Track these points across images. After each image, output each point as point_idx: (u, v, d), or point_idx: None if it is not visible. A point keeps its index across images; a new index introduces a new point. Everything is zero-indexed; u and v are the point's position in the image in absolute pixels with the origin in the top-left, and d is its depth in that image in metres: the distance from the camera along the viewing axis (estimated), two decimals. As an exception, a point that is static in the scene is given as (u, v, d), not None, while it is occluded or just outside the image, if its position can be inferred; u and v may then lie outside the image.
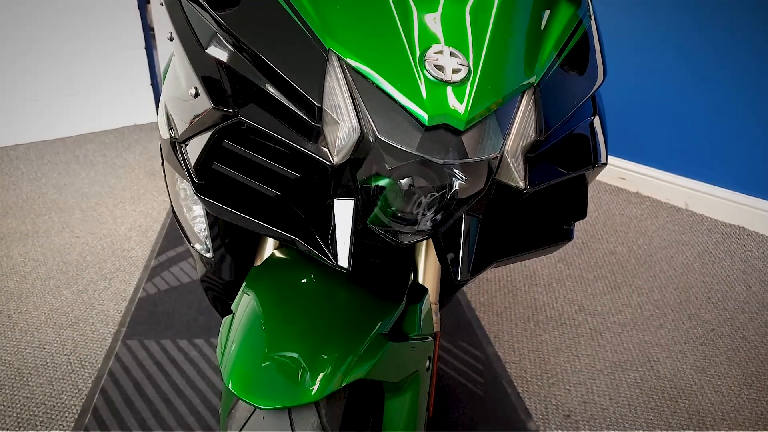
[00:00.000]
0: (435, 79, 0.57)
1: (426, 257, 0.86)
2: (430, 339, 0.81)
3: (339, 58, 0.59)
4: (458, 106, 0.57)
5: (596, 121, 0.73)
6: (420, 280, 0.85)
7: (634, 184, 2.46)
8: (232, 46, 0.63)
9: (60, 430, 1.38)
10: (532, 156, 0.63)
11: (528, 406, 1.42)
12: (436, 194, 0.59)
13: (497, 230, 0.68)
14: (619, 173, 2.50)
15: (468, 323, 1.70)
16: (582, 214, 0.73)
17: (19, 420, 1.41)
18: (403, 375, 0.75)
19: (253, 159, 0.63)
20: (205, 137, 0.63)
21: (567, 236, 0.73)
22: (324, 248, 0.62)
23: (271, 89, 0.61)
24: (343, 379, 0.64)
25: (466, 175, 0.58)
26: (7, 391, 1.50)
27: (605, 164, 0.73)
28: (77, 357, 1.62)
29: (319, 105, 0.58)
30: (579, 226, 2.21)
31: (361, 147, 0.58)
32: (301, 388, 0.62)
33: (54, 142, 3.16)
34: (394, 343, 0.71)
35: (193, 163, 0.64)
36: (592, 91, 0.70)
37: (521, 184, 0.62)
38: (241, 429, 0.64)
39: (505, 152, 0.60)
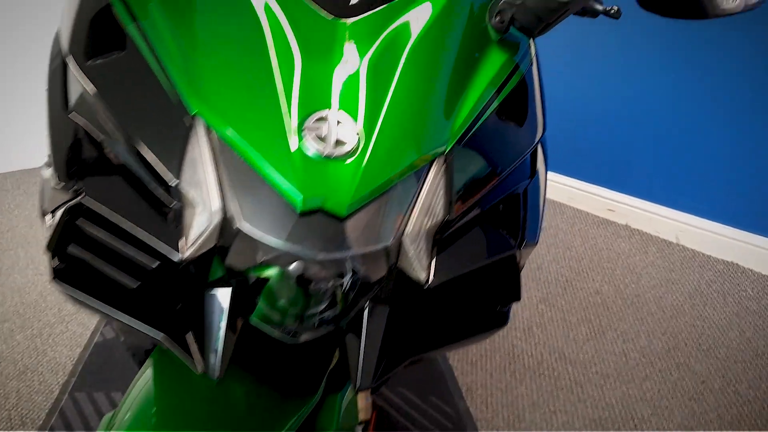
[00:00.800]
0: (314, 154, 0.47)
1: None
2: (361, 422, 0.71)
3: (205, 126, 0.49)
4: (341, 186, 0.47)
5: (533, 187, 0.63)
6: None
7: (623, 216, 2.36)
8: (95, 109, 0.53)
9: (-11, 498, 1.28)
10: (442, 238, 0.53)
11: (499, 471, 1.30)
12: (328, 287, 0.49)
13: (412, 322, 0.57)
14: (607, 204, 2.39)
15: (440, 374, 1.58)
16: (515, 296, 0.62)
17: (-53, 486, 1.30)
18: None
19: (107, 243, 0.53)
20: (58, 215, 0.53)
21: (502, 320, 0.63)
22: (192, 351, 0.52)
23: (128, 162, 0.51)
24: None
25: (359, 265, 0.48)
26: (-59, 452, 1.40)
27: (536, 244, 0.63)
28: (18, 412, 1.51)
29: (176, 182, 0.49)
30: (563, 261, 2.11)
31: (226, 232, 0.48)
32: None
33: (33, 171, 3.08)
34: None
35: (46, 244, 0.54)
36: (528, 150, 0.60)
37: (422, 277, 0.52)
38: None
39: (403, 238, 0.50)
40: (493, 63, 0.59)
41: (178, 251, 0.49)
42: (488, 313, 0.63)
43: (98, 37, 0.57)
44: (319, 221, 0.47)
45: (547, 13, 0.56)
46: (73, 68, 0.56)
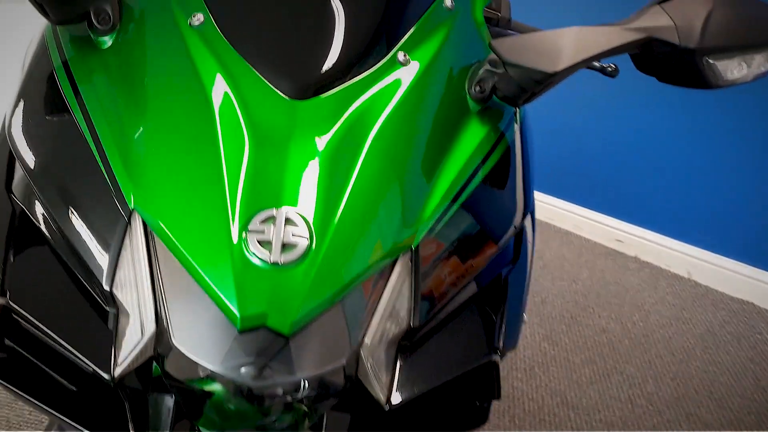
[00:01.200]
0: (259, 261, 0.40)
1: None
2: None
3: (142, 222, 0.43)
4: (287, 298, 0.40)
5: (516, 274, 0.55)
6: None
7: (632, 248, 2.27)
8: (32, 191, 0.48)
9: None
10: (406, 346, 0.46)
11: None
12: (280, 398, 0.42)
13: (380, 425, 0.50)
14: (615, 234, 2.31)
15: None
16: (494, 394, 0.55)
17: None
18: None
19: (42, 341, 0.46)
20: None
21: (481, 418, 0.55)
22: None
23: (62, 255, 0.46)
24: None
25: (312, 382, 0.41)
26: None
27: (515, 347, 0.55)
28: (-9, 446, 1.44)
29: (108, 288, 0.42)
30: (568, 295, 2.02)
31: (161, 344, 0.42)
32: None
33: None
34: None
35: None
36: (510, 234, 0.53)
37: (382, 397, 0.44)
38: None
39: (361, 351, 0.43)
40: (473, 137, 0.52)
41: (108, 371, 0.42)
42: (465, 410, 0.56)
43: (39, 109, 0.52)
44: (262, 340, 0.40)
45: (531, 84, 0.49)
46: (13, 146, 0.51)
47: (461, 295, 0.49)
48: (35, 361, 0.48)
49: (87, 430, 0.47)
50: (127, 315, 0.42)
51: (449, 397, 0.53)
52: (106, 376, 0.43)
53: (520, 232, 0.56)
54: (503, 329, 0.52)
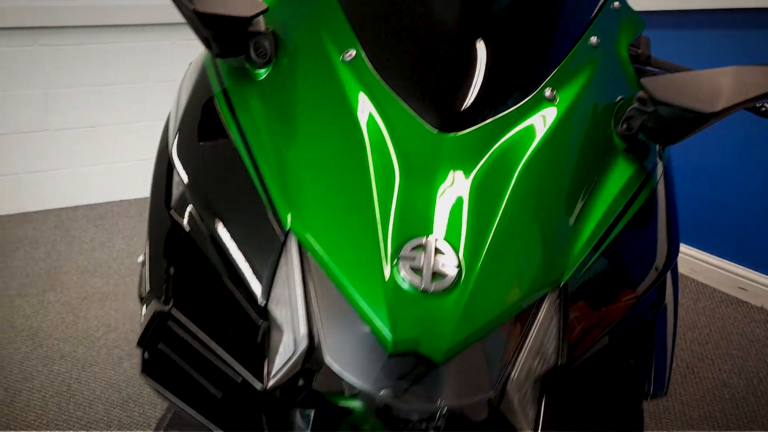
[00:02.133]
0: (409, 287, 0.42)
1: None
2: None
3: (298, 243, 0.46)
4: (438, 326, 0.41)
5: (661, 318, 0.54)
6: None
7: (759, 297, 2.11)
8: (192, 208, 0.52)
9: None
10: (552, 384, 0.46)
11: None
12: (419, 425, 0.44)
13: None
14: (739, 282, 2.15)
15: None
16: (637, 427, 0.53)
17: None
18: None
19: (195, 349, 0.51)
20: (150, 315, 0.53)
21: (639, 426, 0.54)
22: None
23: (219, 270, 0.49)
24: None
25: (455, 409, 0.42)
26: (45, 473, 1.47)
27: (665, 393, 0.53)
28: (118, 442, 1.57)
29: (264, 302, 0.46)
30: (684, 343, 1.90)
31: (311, 359, 0.44)
32: None
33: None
34: None
35: (138, 338, 0.53)
36: (657, 280, 0.52)
37: (525, 430, 0.45)
38: None
39: (508, 385, 0.43)
40: (619, 175, 0.52)
41: (261, 380, 0.46)
42: None
43: (199, 134, 0.57)
44: (411, 365, 0.42)
45: (684, 125, 0.48)
46: (175, 165, 0.56)
47: (606, 337, 0.49)
48: (184, 366, 0.53)
49: None
50: (281, 330, 0.46)
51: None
52: (258, 386, 0.46)
53: (664, 281, 0.55)
54: (652, 374, 0.51)
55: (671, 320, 0.57)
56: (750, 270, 2.13)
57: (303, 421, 0.49)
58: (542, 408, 0.45)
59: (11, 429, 1.62)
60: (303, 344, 0.44)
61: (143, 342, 0.52)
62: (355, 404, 0.44)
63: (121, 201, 3.29)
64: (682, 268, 2.31)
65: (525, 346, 0.44)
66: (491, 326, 0.43)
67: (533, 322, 0.44)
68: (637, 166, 0.53)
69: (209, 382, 0.52)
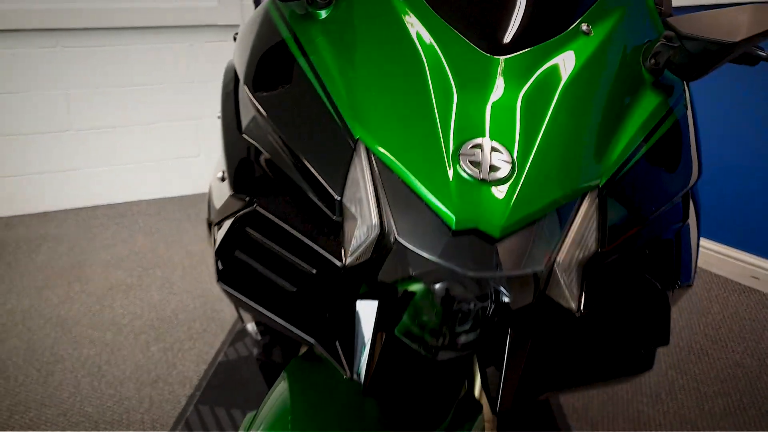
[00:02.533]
0: (469, 177, 0.49)
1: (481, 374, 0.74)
2: None
3: (366, 149, 0.52)
4: (494, 209, 0.47)
5: (685, 230, 0.60)
6: (477, 389, 0.73)
7: (770, 285, 2.15)
8: (266, 130, 0.59)
9: (118, 494, 1.36)
10: (593, 270, 0.52)
11: None
12: (472, 307, 0.49)
13: (554, 354, 0.56)
14: (751, 271, 2.20)
15: (555, 430, 1.50)
16: (663, 339, 0.59)
17: (84, 477, 1.41)
18: None
19: (272, 250, 0.57)
20: (229, 223, 0.58)
21: (646, 365, 0.59)
22: (341, 357, 0.54)
23: (294, 178, 0.55)
24: None
25: (506, 289, 0.48)
26: (81, 445, 1.52)
27: (690, 285, 0.59)
28: (150, 416, 1.62)
29: (339, 198, 0.52)
30: (697, 327, 1.94)
31: (381, 246, 0.50)
32: None
33: (173, 199, 3.38)
34: None
35: (215, 249, 0.59)
36: (681, 193, 0.58)
37: (573, 306, 0.50)
38: None
39: (555, 266, 0.49)
40: (646, 105, 0.58)
41: (339, 259, 0.52)
42: (632, 356, 0.60)
43: (270, 69, 0.63)
44: (472, 241, 0.47)
45: (706, 57, 0.54)
46: (248, 95, 0.62)
47: (638, 237, 0.55)
48: (260, 268, 0.58)
49: (301, 331, 0.57)
50: (354, 221, 0.52)
51: (618, 343, 0.58)
52: (338, 262, 0.52)
53: (687, 196, 0.61)
54: (680, 264, 0.57)
55: (693, 230, 0.62)
56: (762, 259, 2.18)
57: (369, 313, 0.54)
58: (583, 288, 0.51)
59: (46, 405, 1.67)
60: (375, 231, 0.50)
61: (221, 249, 0.58)
62: (416, 287, 0.50)
63: (140, 201, 3.37)
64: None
65: (569, 234, 0.50)
66: (541, 213, 0.49)
67: (576, 216, 0.50)
68: (664, 96, 0.59)
69: (284, 279, 0.58)
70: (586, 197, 0.51)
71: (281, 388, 0.68)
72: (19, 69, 3.00)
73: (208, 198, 0.70)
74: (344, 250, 0.52)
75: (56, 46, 3.03)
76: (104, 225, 3.03)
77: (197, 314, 2.15)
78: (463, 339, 0.53)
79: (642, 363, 0.60)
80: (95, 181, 3.29)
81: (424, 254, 0.47)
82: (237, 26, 3.28)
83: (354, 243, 0.51)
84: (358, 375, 0.53)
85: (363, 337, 0.54)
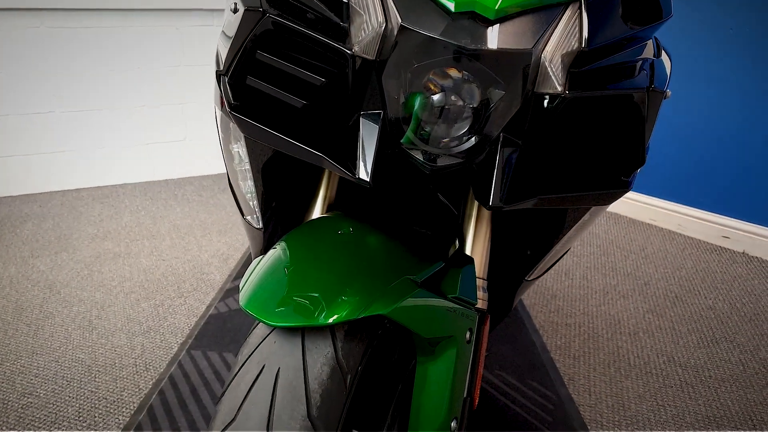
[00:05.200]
0: None
1: (476, 228, 0.80)
2: (473, 310, 0.74)
3: None
4: None
5: (658, 63, 0.67)
6: (468, 246, 0.79)
7: (741, 244, 2.25)
8: None
9: (116, 422, 1.39)
10: (575, 71, 0.58)
11: (603, 453, 1.26)
12: (467, 105, 0.56)
13: (541, 164, 0.62)
14: (721, 231, 2.29)
15: (540, 364, 1.56)
16: (640, 160, 0.65)
17: (80, 411, 1.43)
18: (436, 333, 0.68)
19: (283, 68, 0.62)
20: (240, 49, 0.64)
21: (624, 185, 0.66)
22: (347, 163, 0.60)
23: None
24: (361, 310, 0.59)
25: (497, 75, 0.54)
26: (75, 385, 1.54)
27: (665, 94, 0.66)
28: (143, 361, 1.64)
29: (347, 0, 0.58)
30: (672, 279, 2.03)
31: (386, 43, 0.56)
32: (315, 311, 0.58)
33: (159, 182, 3.40)
34: (425, 292, 0.66)
35: (228, 77, 0.65)
36: (655, 24, 0.65)
37: (559, 88, 0.57)
38: (252, 353, 0.60)
39: (543, 56, 0.56)
40: None
41: (348, 50, 0.57)
42: (612, 178, 0.66)
43: None
44: (470, 22, 0.54)
45: None
46: None
47: (619, 55, 0.61)
48: (271, 91, 0.63)
49: (309, 149, 0.62)
50: (361, 17, 0.57)
51: (597, 154, 0.64)
52: (347, 51, 0.58)
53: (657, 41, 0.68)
54: (654, 78, 0.64)
55: (668, 67, 0.69)
56: (732, 219, 2.28)
57: (373, 123, 0.60)
58: (568, 79, 0.57)
59: (37, 354, 1.69)
60: (381, 24, 0.56)
61: (234, 77, 0.64)
62: (416, 100, 0.56)
63: (125, 184, 3.38)
64: (671, 225, 2.45)
65: (555, 30, 0.56)
66: (531, 5, 0.55)
67: (562, 16, 0.57)
68: None
69: (296, 95, 0.63)
70: (570, 5, 0.58)
71: (277, 248, 0.72)
72: (2, 48, 3.01)
73: (216, 53, 0.76)
74: (352, 45, 0.58)
75: (40, 26, 3.05)
76: (89, 205, 3.04)
77: (187, 276, 2.18)
78: (457, 146, 0.59)
79: (620, 183, 0.66)
80: (80, 164, 3.30)
81: (428, 33, 0.54)
82: (223, 11, 3.34)
83: (362, 35, 0.57)
84: (366, 173, 0.58)
85: (368, 144, 0.59)
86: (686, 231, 2.40)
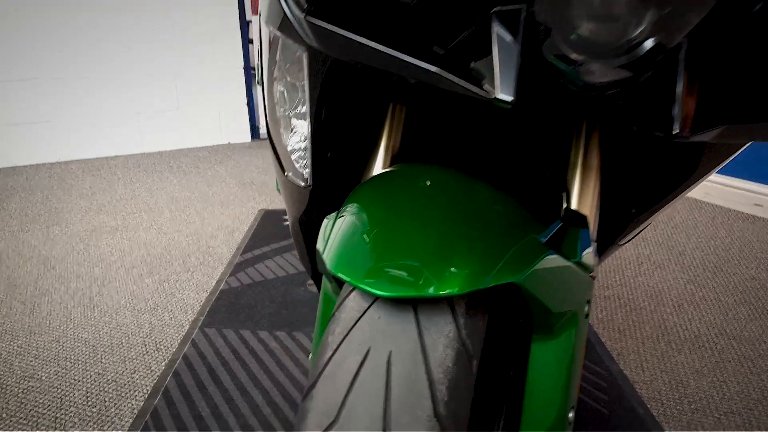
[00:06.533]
0: None
1: (582, 181, 0.67)
2: (592, 276, 0.62)
3: None
4: None
5: None
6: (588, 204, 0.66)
7: (771, 213, 2.16)
8: None
9: (129, 407, 1.26)
10: None
11: (667, 433, 1.15)
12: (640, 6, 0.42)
13: (733, 83, 0.48)
14: (753, 199, 2.20)
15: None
16: None
17: (87, 394, 1.30)
18: (563, 307, 0.56)
19: None
20: None
21: None
22: (475, 80, 0.46)
23: None
24: (489, 276, 0.47)
25: None
26: (80, 367, 1.40)
27: None
28: (153, 340, 1.51)
29: None
30: (707, 249, 1.93)
31: None
32: (427, 279, 0.45)
33: (152, 154, 3.23)
34: (558, 256, 0.53)
35: None
36: None
37: None
38: (349, 331, 0.47)
39: None
40: None
41: None
42: None
43: None
44: None
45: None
46: None
47: None
48: None
49: (417, 60, 0.49)
50: None
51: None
52: None
53: None
54: None
55: None
56: (765, 185, 2.18)
57: (511, 23, 0.46)
58: None
59: (35, 333, 1.55)
60: None
61: None
62: None
63: (116, 156, 3.21)
64: (696, 194, 2.35)
65: None
66: None
67: None
68: None
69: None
70: None
71: (351, 206, 0.59)
72: (-16, 9, 2.80)
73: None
74: None
75: (24, -14, 2.84)
76: (79, 177, 2.86)
77: (191, 250, 2.03)
78: (626, 53, 0.45)
79: None
80: (67, 135, 3.11)
81: None
82: (218, -30, 3.16)
83: None
84: (506, 88, 0.45)
85: (505, 51, 0.46)
86: (714, 199, 2.30)
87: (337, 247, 0.51)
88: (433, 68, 0.48)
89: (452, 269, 0.47)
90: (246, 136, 3.49)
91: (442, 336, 0.46)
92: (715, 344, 1.43)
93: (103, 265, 1.93)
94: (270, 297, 1.68)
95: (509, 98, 0.44)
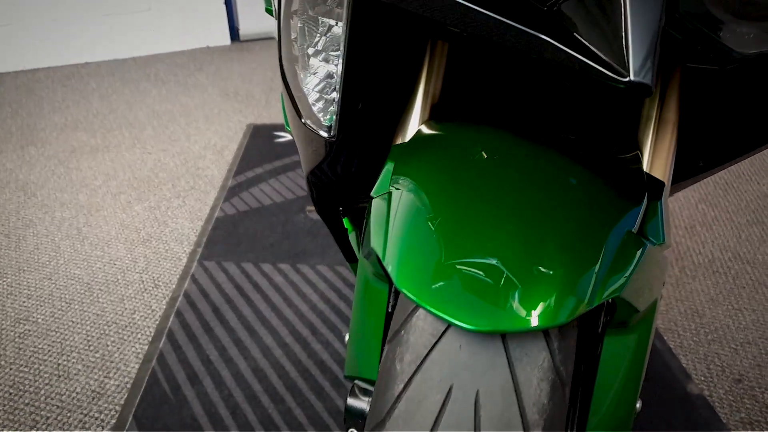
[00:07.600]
0: None
1: (656, 141, 0.58)
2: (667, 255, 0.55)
3: None
4: None
5: None
6: (662, 164, 0.58)
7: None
8: None
9: (133, 351, 1.21)
10: None
11: (684, 365, 1.15)
12: None
13: None
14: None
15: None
16: None
17: (89, 338, 1.25)
18: (646, 304, 0.50)
19: None
20: None
21: None
22: (598, 57, 0.36)
23: None
24: (596, 294, 0.39)
25: None
26: (77, 307, 1.34)
27: None
28: (150, 276, 1.45)
29: None
30: (717, 165, 1.88)
31: None
32: (526, 305, 0.38)
33: (125, 61, 3.00)
34: (650, 247, 0.46)
35: None
36: None
37: None
38: (422, 362, 0.40)
39: None
40: None
41: None
42: None
43: None
44: None
45: None
46: None
47: None
48: None
49: (530, 30, 0.39)
50: None
51: None
52: None
53: None
54: None
55: None
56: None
57: None
58: None
59: (24, 270, 1.47)
60: None
61: None
62: None
63: (87, 63, 2.98)
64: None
65: None
66: None
67: None
68: None
69: None
70: None
71: (401, 183, 0.51)
72: None
73: None
74: None
75: None
76: (50, 88, 2.66)
77: (180, 172, 1.92)
78: None
79: None
80: (32, 39, 2.86)
81: None
82: None
83: None
84: (637, 76, 0.35)
85: (641, 22, 0.35)
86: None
87: (398, 251, 0.43)
88: (543, 36, 0.37)
89: (548, 287, 0.40)
90: (225, 39, 3.25)
91: (536, 368, 0.39)
92: (729, 269, 1.41)
93: (88, 191, 1.83)
94: (270, 225, 1.61)
95: (650, 81, 0.35)
